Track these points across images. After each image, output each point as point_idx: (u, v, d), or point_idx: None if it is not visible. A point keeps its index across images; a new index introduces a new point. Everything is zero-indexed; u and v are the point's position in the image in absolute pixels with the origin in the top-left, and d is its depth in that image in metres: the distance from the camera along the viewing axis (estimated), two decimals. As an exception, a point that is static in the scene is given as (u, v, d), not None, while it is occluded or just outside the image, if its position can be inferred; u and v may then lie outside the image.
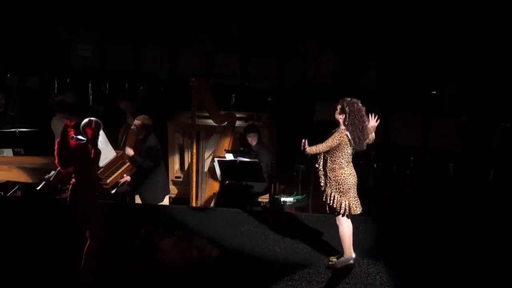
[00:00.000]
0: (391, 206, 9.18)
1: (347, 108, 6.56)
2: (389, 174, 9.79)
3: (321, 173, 6.73)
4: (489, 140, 9.89)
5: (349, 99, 6.62)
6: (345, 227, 6.76)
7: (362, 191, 6.93)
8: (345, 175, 6.62)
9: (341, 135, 6.57)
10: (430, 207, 8.97)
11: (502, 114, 10.06)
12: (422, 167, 9.69)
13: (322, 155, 6.70)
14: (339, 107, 6.64)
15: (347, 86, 11.14)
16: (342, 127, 6.62)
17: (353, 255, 6.89)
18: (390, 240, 7.66)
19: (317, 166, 6.77)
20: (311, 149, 6.67)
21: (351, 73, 11.48)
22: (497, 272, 6.98)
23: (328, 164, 6.64)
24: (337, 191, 6.64)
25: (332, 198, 6.66)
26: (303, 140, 6.68)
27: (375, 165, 9.74)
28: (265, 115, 9.95)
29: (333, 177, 6.63)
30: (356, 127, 6.55)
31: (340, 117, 6.62)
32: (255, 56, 11.96)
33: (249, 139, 8.81)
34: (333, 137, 6.60)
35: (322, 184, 6.74)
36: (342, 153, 6.60)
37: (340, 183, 6.62)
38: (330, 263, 6.96)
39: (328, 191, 6.68)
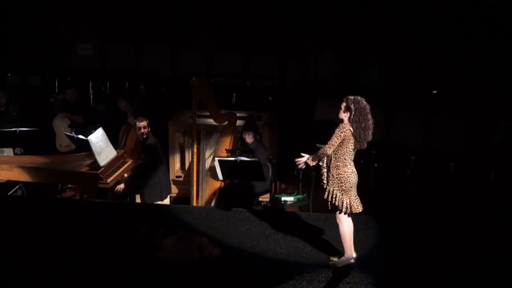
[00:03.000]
0: (392, 205, 9.18)
1: (352, 106, 6.54)
2: (390, 174, 9.79)
3: (324, 170, 6.71)
4: (490, 139, 9.89)
5: (353, 97, 6.61)
6: (345, 225, 6.76)
7: (363, 190, 6.92)
8: (347, 173, 6.62)
9: (343, 130, 6.54)
10: (430, 207, 8.97)
11: (502, 113, 10.06)
12: (423, 167, 9.69)
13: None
14: (343, 105, 6.61)
15: (347, 86, 11.16)
16: (345, 122, 6.59)
17: (354, 255, 6.89)
18: (390, 239, 7.66)
19: (320, 163, 6.74)
20: (317, 157, 6.66)
21: (351, 73, 11.49)
22: (498, 271, 6.98)
23: (332, 161, 6.62)
24: (339, 189, 6.63)
25: (334, 196, 6.65)
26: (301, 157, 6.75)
27: (375, 165, 9.74)
28: (265, 114, 9.95)
29: (336, 174, 6.62)
30: (359, 125, 6.53)
31: (345, 115, 6.59)
32: (256, 56, 11.97)
33: (244, 137, 8.83)
34: (334, 135, 6.57)
35: (324, 181, 6.73)
36: (345, 150, 6.58)
37: (343, 181, 6.62)
38: (330, 262, 6.96)
39: (330, 188, 6.67)
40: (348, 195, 6.65)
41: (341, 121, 6.65)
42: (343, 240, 6.83)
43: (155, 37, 12.26)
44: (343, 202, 6.65)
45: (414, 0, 11.28)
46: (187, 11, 12.17)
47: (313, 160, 6.74)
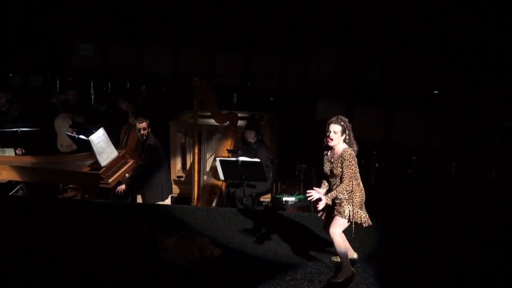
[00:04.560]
0: (393, 205, 9.18)
1: (346, 126, 6.49)
2: (391, 174, 9.79)
3: (344, 202, 6.51)
4: (491, 140, 9.88)
5: (338, 118, 6.51)
6: (342, 240, 6.61)
7: (364, 190, 6.90)
8: (362, 186, 6.60)
9: (354, 158, 6.46)
10: (431, 207, 8.97)
11: (504, 113, 10.06)
12: (424, 167, 9.69)
13: (338, 181, 6.54)
14: (339, 129, 6.45)
15: (348, 85, 11.17)
16: (345, 147, 6.48)
17: (355, 255, 6.86)
18: (391, 239, 7.66)
19: (337, 201, 6.54)
20: (337, 192, 6.49)
21: (352, 73, 11.49)
22: (499, 271, 6.98)
23: (354, 182, 6.51)
24: (359, 206, 6.54)
25: (358, 215, 6.53)
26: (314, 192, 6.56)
27: (377, 165, 9.74)
28: (266, 114, 9.95)
29: (359, 192, 6.54)
30: (354, 137, 6.55)
31: (344, 137, 6.48)
32: (257, 56, 11.97)
33: (246, 135, 8.84)
34: (349, 167, 6.43)
35: (345, 208, 6.51)
36: (358, 169, 6.56)
37: (362, 196, 6.56)
38: (333, 280, 6.74)
39: (352, 210, 6.50)
40: (363, 209, 6.62)
41: (337, 150, 6.51)
42: (340, 254, 6.65)
43: (156, 37, 12.26)
44: (361, 217, 6.57)
45: (415, 0, 11.27)
46: (188, 11, 12.17)
47: (331, 198, 6.53)
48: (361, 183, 6.60)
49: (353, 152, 6.49)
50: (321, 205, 6.53)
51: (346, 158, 6.45)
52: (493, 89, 10.43)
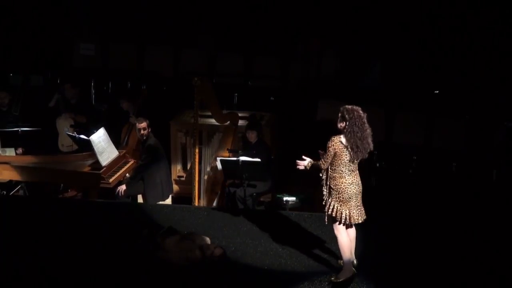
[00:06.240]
0: (394, 205, 9.17)
1: (347, 116, 6.44)
2: (392, 174, 9.79)
3: (323, 182, 6.63)
4: (492, 140, 9.89)
5: (349, 106, 6.50)
6: (344, 236, 6.64)
7: (365, 190, 6.90)
8: (345, 184, 6.51)
9: (332, 144, 6.45)
10: (432, 207, 8.97)
11: (505, 113, 10.06)
12: (425, 167, 9.69)
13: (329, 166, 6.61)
14: (339, 115, 6.50)
15: (349, 85, 11.17)
16: (335, 136, 6.49)
17: (355, 261, 6.84)
18: (392, 239, 7.66)
19: (320, 175, 6.66)
20: (315, 166, 6.64)
21: (353, 72, 11.49)
22: (500, 272, 6.98)
23: (330, 173, 6.54)
24: (337, 200, 6.53)
25: (332, 208, 6.56)
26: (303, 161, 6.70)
27: (377, 165, 9.74)
28: (267, 114, 9.95)
29: (334, 186, 6.53)
30: (355, 135, 6.42)
31: (341, 125, 6.49)
32: (258, 55, 11.97)
33: (248, 136, 8.85)
34: (327, 150, 6.50)
35: (324, 193, 6.64)
36: (340, 161, 6.49)
37: (340, 192, 6.52)
38: (332, 278, 6.76)
39: (329, 200, 6.58)
40: (347, 206, 6.55)
41: (339, 131, 6.54)
42: (342, 252, 6.69)
43: (157, 37, 12.27)
44: (342, 213, 6.54)
45: (417, 0, 11.27)
46: (189, 10, 12.17)
47: (308, 164, 6.68)
48: (340, 179, 6.50)
49: (338, 141, 6.44)
50: (301, 163, 6.73)
51: (329, 142, 6.49)
52: (493, 89, 10.43)
